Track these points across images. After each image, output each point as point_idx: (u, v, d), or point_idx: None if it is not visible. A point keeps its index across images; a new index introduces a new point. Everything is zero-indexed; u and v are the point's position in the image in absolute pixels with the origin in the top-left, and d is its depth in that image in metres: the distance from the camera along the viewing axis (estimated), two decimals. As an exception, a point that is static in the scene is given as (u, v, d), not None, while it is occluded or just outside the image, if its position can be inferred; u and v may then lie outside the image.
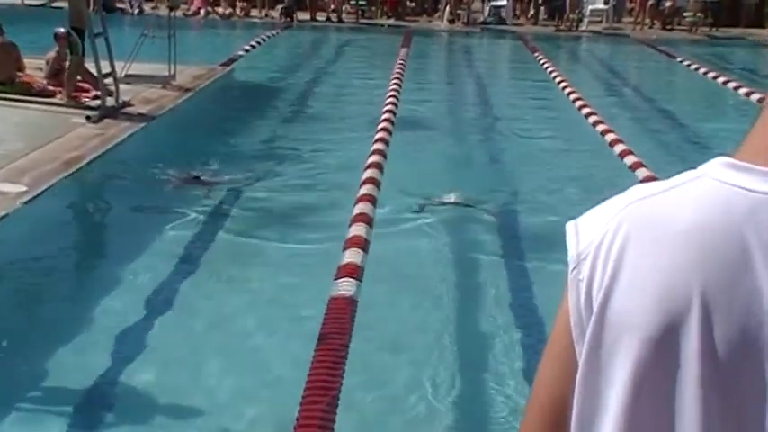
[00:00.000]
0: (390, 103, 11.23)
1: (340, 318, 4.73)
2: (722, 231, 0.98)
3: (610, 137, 9.76)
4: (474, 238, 7.24)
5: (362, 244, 5.91)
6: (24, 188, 7.00)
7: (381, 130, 9.62)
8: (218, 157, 9.19)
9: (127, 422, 4.45)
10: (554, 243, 6.57)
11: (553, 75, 14.82)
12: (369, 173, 7.79)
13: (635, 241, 1.02)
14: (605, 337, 1.02)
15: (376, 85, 13.49)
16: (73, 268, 6.62)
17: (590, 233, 1.06)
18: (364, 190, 7.22)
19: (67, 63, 10.27)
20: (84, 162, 7.97)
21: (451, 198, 7.05)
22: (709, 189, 1.01)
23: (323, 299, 4.99)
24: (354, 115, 11.86)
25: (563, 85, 13.63)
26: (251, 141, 10.42)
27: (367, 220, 6.46)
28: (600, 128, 10.30)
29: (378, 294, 5.75)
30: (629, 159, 8.65)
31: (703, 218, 0.99)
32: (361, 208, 6.72)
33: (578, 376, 1.04)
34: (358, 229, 6.21)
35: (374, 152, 8.58)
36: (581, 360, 1.04)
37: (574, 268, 1.06)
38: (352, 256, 5.65)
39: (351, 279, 5.23)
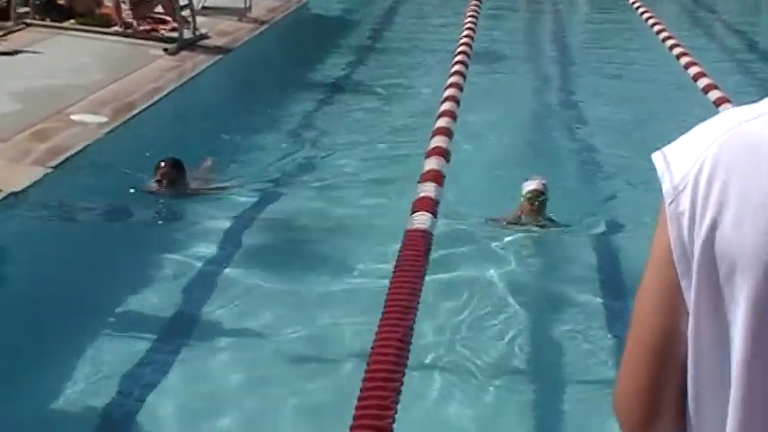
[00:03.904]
0: (466, 36, 11.01)
1: (415, 251, 4.71)
2: None
3: (693, 70, 9.42)
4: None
5: (438, 178, 5.86)
6: (105, 119, 7.11)
7: (457, 63, 9.46)
8: (293, 92, 9.16)
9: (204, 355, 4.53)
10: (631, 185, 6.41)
11: (635, 6, 14.31)
12: (445, 106, 7.69)
13: (740, 169, 0.96)
14: (716, 274, 0.97)
15: (453, 18, 13.24)
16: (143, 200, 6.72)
17: (684, 163, 1.00)
18: (440, 123, 7.14)
19: None
20: (164, 94, 8.06)
21: (532, 185, 6.39)
22: None
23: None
24: (430, 48, 11.69)
25: (646, 16, 13.17)
26: (325, 75, 10.38)
27: (443, 152, 6.40)
28: (684, 60, 9.94)
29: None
30: (714, 94, 8.36)
31: None
32: (437, 141, 6.65)
33: (691, 320, 1.00)
34: (433, 163, 6.15)
35: (450, 85, 8.46)
36: (691, 300, 1.00)
37: (671, 202, 1.00)
38: (427, 189, 5.61)
39: (426, 213, 5.21)
